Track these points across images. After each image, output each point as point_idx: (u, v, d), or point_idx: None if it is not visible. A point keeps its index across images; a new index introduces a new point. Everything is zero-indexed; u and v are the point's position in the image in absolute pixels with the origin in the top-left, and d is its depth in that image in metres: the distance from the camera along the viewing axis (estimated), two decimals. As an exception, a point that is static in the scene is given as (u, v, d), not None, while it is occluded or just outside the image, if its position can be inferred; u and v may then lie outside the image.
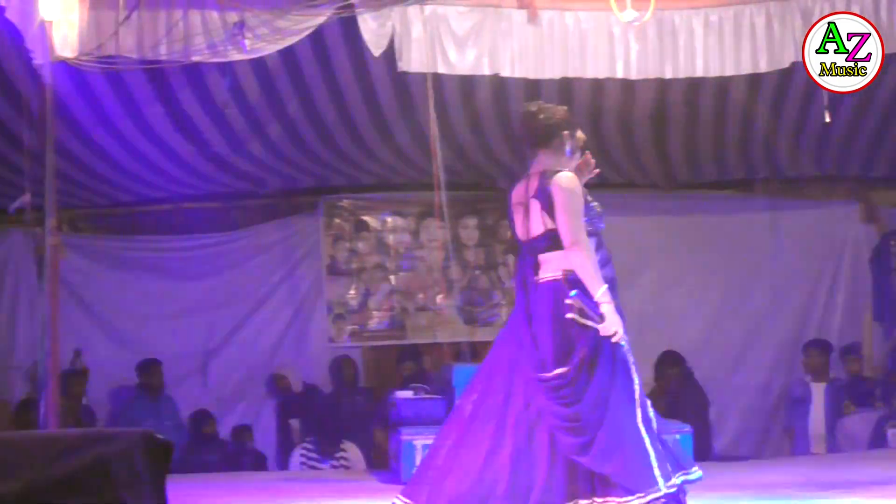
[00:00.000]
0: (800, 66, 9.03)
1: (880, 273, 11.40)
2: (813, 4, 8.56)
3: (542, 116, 5.95)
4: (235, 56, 8.19)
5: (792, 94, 10.06)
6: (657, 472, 5.37)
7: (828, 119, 8.75)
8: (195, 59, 8.22)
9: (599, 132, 10.50)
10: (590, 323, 5.54)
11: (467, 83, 9.47)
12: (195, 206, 11.47)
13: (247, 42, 8.04)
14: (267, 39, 8.17)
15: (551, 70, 8.68)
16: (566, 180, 5.77)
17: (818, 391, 10.76)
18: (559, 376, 5.52)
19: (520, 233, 5.84)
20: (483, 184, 11.49)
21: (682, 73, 8.76)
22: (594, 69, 8.71)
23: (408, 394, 8.72)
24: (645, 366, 10.88)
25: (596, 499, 5.37)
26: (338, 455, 9.98)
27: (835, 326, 11.64)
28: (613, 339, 5.61)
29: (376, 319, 11.60)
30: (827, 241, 11.78)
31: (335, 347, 11.52)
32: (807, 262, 11.69)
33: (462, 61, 8.58)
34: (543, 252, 5.73)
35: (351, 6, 8.24)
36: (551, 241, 5.70)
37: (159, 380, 10.78)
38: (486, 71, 8.65)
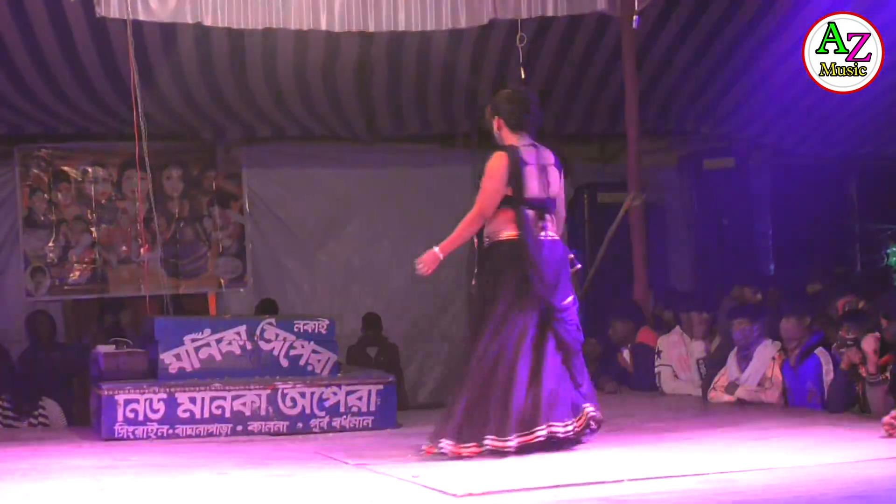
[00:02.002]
0: (498, 24, 9.31)
1: (573, 225, 11.84)
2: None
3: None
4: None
5: (491, 51, 10.34)
6: None
7: (523, 75, 9.03)
8: None
9: (304, 84, 10.51)
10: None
11: (169, 31, 9.29)
12: None
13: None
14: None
15: (254, 20, 8.62)
16: None
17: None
18: (572, 303, 6.83)
19: (538, 191, 6.75)
20: (186, 134, 11.31)
21: (385, 27, 8.86)
22: (298, 20, 8.70)
23: (109, 348, 8.54)
24: (353, 316, 11.10)
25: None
26: (36, 413, 9.68)
27: (532, 276, 12.04)
28: None
29: (77, 272, 11.29)
30: (525, 194, 12.13)
31: (33, 302, 11.14)
32: (506, 214, 12.02)
33: (163, 8, 8.42)
34: (552, 213, 6.82)
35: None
36: (556, 205, 6.87)
37: None
38: (188, 19, 8.51)
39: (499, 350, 6.62)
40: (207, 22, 8.52)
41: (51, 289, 11.22)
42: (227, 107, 10.81)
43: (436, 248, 6.79)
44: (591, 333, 10.53)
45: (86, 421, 8.64)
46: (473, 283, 6.93)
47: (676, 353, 9.44)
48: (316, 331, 8.24)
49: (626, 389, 9.74)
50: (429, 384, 11.73)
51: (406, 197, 11.67)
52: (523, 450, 6.50)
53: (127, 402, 7.80)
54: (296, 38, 9.45)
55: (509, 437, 6.52)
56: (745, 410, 8.25)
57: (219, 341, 8.09)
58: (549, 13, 9.17)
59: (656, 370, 9.49)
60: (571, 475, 5.88)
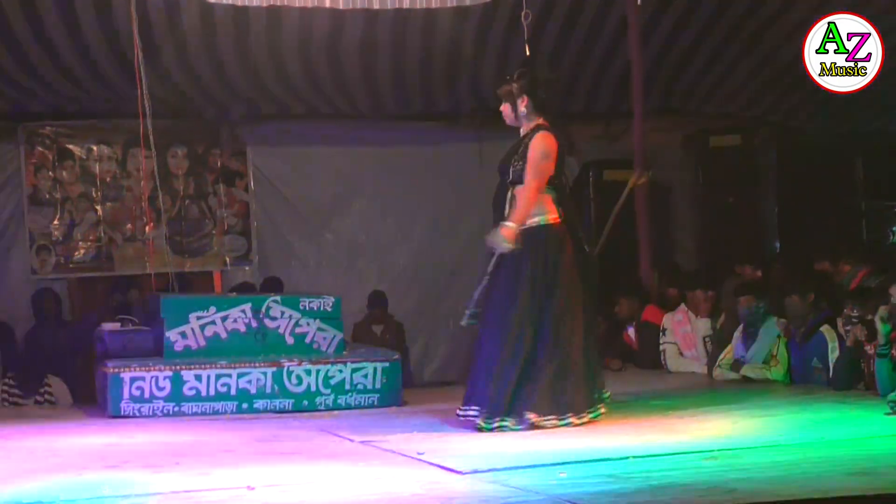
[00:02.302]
0: (503, 1, 9.28)
1: (580, 202, 11.83)
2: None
3: None
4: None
5: (496, 29, 10.31)
6: None
7: (528, 53, 8.99)
8: None
9: (308, 62, 10.49)
10: None
11: (173, 7, 9.27)
12: None
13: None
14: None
15: (259, -2, 8.58)
16: None
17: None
18: None
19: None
20: (191, 112, 11.29)
21: (390, 5, 8.81)
22: (302, -2, 8.65)
23: (115, 326, 8.55)
24: (358, 293, 11.08)
25: None
26: (42, 390, 9.69)
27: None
28: None
29: (82, 250, 11.29)
30: (530, 172, 12.11)
31: (38, 280, 11.14)
32: (511, 192, 12.01)
33: (166, -16, 8.38)
34: None
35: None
36: None
37: None
38: (192, -4, 8.48)
39: (572, 328, 6.82)
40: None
41: (56, 267, 11.22)
42: (232, 85, 10.79)
43: (509, 224, 6.86)
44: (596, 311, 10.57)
45: (92, 399, 8.66)
46: (498, 264, 6.90)
47: (681, 330, 9.45)
48: (321, 308, 8.25)
49: (632, 367, 9.75)
50: (434, 362, 11.71)
51: (411, 174, 11.64)
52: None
53: (133, 379, 7.82)
54: (300, 15, 9.42)
55: (583, 415, 6.83)
56: (751, 388, 8.25)
57: (224, 319, 8.10)
58: (555, -10, 9.14)
59: (661, 348, 9.50)
60: (577, 452, 5.89)
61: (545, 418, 6.73)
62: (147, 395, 7.82)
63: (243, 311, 8.14)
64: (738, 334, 8.75)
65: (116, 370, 7.84)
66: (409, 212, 11.55)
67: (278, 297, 8.31)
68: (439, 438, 6.59)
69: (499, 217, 7.00)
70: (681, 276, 10.16)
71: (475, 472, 5.48)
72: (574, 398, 6.82)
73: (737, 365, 8.65)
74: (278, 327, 8.17)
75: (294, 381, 8.00)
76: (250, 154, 11.56)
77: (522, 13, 8.92)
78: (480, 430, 6.71)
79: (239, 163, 11.55)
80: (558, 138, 7.02)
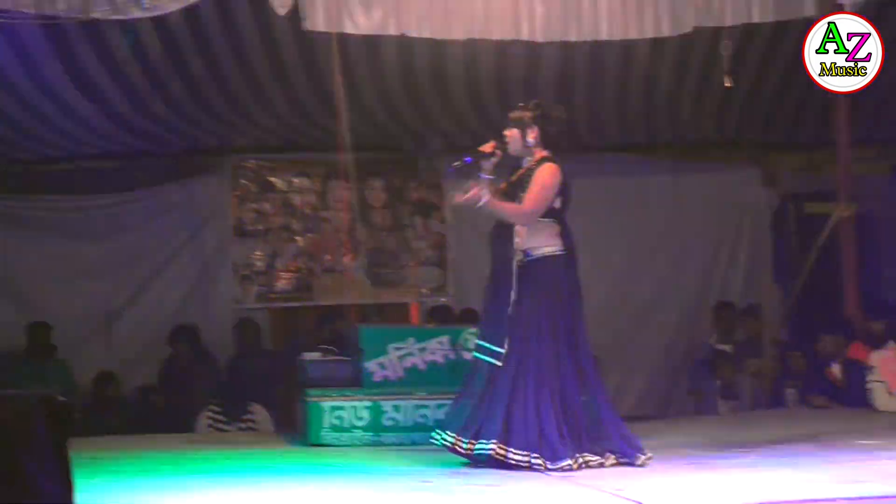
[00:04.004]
0: (701, 31, 9.15)
1: (779, 236, 11.60)
2: (714, -31, 8.65)
3: None
4: (135, 13, 8.03)
5: (694, 59, 10.17)
6: None
7: (728, 84, 8.85)
8: (94, 15, 8.05)
9: (504, 94, 10.52)
10: None
11: (373, 43, 9.42)
12: (96, 165, 11.29)
13: (145, -1, 7.91)
14: (167, -4, 8.04)
15: (457, 31, 8.66)
16: None
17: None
18: None
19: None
20: (389, 145, 11.46)
21: (587, 36, 8.80)
22: (499, 31, 8.70)
23: (316, 355, 8.70)
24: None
25: None
26: (245, 417, 9.92)
27: (736, 288, 11.83)
28: None
29: (283, 281, 11.55)
30: (728, 205, 11.94)
31: (241, 309, 11.44)
32: (709, 225, 11.85)
33: (368, 21, 8.51)
34: None
35: (255, -36, 8.14)
36: None
37: (46, 343, 10.59)
38: (392, 31, 8.59)
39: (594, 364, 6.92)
40: (411, 33, 8.60)
41: (258, 297, 11.50)
42: (429, 117, 10.91)
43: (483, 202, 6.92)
44: (796, 347, 10.29)
45: (292, 426, 8.81)
46: (518, 297, 6.87)
47: (890, 369, 9.13)
48: (518, 341, 8.20)
49: (837, 405, 9.45)
50: (630, 396, 11.58)
51: (606, 207, 11.56)
52: None
53: (333, 408, 7.94)
54: (497, 48, 9.47)
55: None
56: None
57: (422, 350, 8.16)
58: (755, 19, 8.96)
59: (868, 386, 9.19)
60: (780, 491, 5.73)
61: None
62: (347, 424, 7.92)
63: (441, 343, 8.18)
64: (950, 373, 8.41)
65: (317, 399, 7.96)
66: (605, 245, 11.46)
67: (475, 329, 8.31)
68: (634, 473, 6.49)
69: (503, 255, 7.00)
70: (889, 312, 9.82)
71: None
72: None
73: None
74: (475, 359, 8.17)
75: (491, 412, 7.98)
76: (447, 186, 11.66)
77: (722, 43, 8.80)
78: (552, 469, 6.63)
79: (435, 195, 11.66)
80: (563, 171, 6.98)
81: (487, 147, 7.10)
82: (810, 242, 10.11)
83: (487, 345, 6.91)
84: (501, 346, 6.83)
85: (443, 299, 11.59)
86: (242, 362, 10.96)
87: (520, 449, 6.65)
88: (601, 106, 10.85)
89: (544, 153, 7.06)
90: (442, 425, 7.00)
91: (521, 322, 6.84)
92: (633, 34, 8.84)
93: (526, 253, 6.94)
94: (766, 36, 10.04)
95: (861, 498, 5.56)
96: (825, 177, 11.20)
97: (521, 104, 7.25)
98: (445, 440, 6.87)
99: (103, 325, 11.09)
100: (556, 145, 7.12)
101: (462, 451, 6.80)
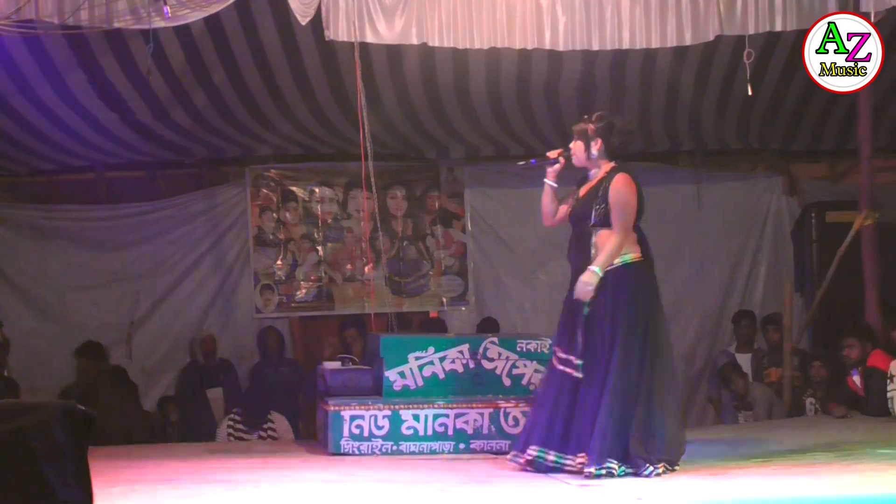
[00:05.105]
0: (724, 39, 9.14)
1: (801, 245, 11.55)
2: (737, -22, 8.65)
3: None
4: (158, 22, 8.08)
5: (716, 67, 10.16)
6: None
7: (750, 92, 8.83)
8: (116, 24, 8.10)
9: (526, 103, 10.54)
10: None
11: (395, 53, 9.44)
12: (118, 174, 11.35)
13: (168, 8, 7.94)
14: (189, 6, 8.09)
15: (479, 40, 8.66)
16: None
17: (745, 361, 10.89)
18: None
19: None
20: (410, 154, 11.49)
21: (609, 45, 8.80)
22: (522, 40, 8.70)
23: (336, 364, 8.71)
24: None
25: None
26: (265, 426, 9.94)
27: (757, 297, 11.80)
28: None
29: (304, 290, 11.57)
30: (750, 213, 11.92)
31: (262, 318, 11.47)
32: (731, 233, 11.83)
33: (390, 30, 8.53)
34: None
35: (277, -26, 8.18)
36: None
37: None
38: (414, 41, 8.61)
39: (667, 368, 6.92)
40: (433, 43, 8.61)
41: (279, 306, 11.53)
42: (451, 127, 10.93)
43: (596, 269, 6.80)
44: (817, 356, 10.24)
45: (312, 435, 8.82)
46: (595, 307, 6.83)
47: (911, 377, 9.08)
48: (539, 350, 8.21)
49: (857, 414, 9.40)
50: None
51: (628, 215, 11.53)
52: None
53: (353, 417, 7.93)
54: (519, 57, 9.47)
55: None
56: None
57: (442, 359, 8.14)
58: (778, 28, 8.94)
59: (889, 395, 9.13)
60: (800, 500, 5.71)
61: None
62: (366, 433, 7.92)
63: (461, 352, 8.17)
64: (973, 382, 8.36)
65: (337, 408, 7.96)
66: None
67: (496, 339, 8.32)
68: (656, 482, 6.48)
69: (579, 266, 6.90)
70: (910, 321, 9.77)
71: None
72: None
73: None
74: (495, 368, 8.17)
75: (511, 422, 7.98)
76: (468, 195, 11.68)
77: (745, 52, 8.77)
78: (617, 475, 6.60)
79: (456, 204, 11.67)
80: (637, 181, 6.97)
81: (553, 153, 7.14)
82: (832, 251, 10.06)
83: (565, 356, 6.92)
84: (580, 357, 6.84)
85: (463, 307, 11.60)
86: (265, 371, 10.99)
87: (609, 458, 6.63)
88: (623, 115, 10.82)
89: (612, 164, 7.04)
90: (535, 441, 6.93)
91: (598, 331, 6.83)
92: (655, 43, 8.83)
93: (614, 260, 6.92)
94: (789, 44, 10.01)
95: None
96: (847, 185, 11.18)
97: (585, 116, 7.22)
98: (548, 459, 6.83)
99: (125, 335, 11.14)
100: (622, 155, 7.11)
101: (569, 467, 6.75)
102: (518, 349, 8.19)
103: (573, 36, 8.72)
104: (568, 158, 7.11)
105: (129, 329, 11.16)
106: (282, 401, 10.36)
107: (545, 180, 7.16)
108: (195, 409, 10.69)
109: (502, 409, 7.98)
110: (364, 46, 8.65)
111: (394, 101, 10.30)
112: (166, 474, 7.07)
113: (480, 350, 8.16)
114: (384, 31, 8.52)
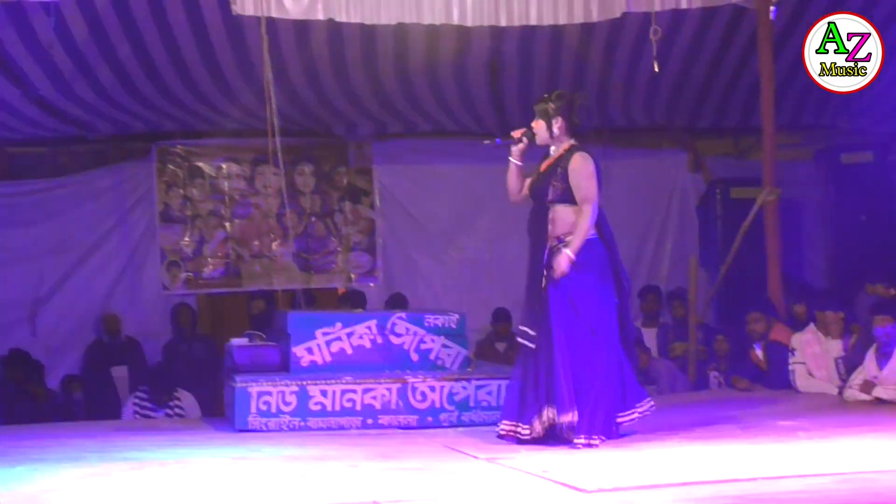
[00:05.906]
0: (631, 17, 9.22)
1: (706, 220, 11.70)
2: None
3: None
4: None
5: (623, 44, 10.25)
6: None
7: (657, 69, 8.92)
8: (17, -4, 7.97)
9: (435, 79, 10.54)
10: None
11: (302, 28, 9.39)
12: (21, 150, 11.16)
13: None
14: (91, -22, 7.96)
15: (387, 15, 8.66)
16: None
17: (650, 336, 11.02)
18: None
19: None
20: (318, 130, 11.43)
21: (517, 21, 8.82)
22: (430, 15, 8.71)
23: (243, 341, 8.66)
24: (482, 311, 11.08)
25: None
26: (171, 403, 9.86)
27: (663, 272, 11.95)
28: None
29: (211, 267, 11.49)
30: (656, 189, 12.05)
31: (169, 295, 11.37)
32: (636, 209, 11.93)
33: (296, 5, 8.49)
34: None
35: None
36: None
37: None
38: (321, 16, 8.58)
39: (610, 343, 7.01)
40: (341, 18, 8.58)
41: (186, 283, 11.43)
42: (359, 103, 10.90)
43: (568, 251, 6.91)
44: (721, 330, 10.40)
45: (219, 412, 8.77)
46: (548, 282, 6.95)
47: (811, 350, 9.24)
48: (446, 325, 8.25)
49: (760, 387, 9.57)
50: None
51: (535, 192, 11.60)
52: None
53: (260, 394, 7.90)
54: (427, 33, 9.47)
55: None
56: (884, 409, 8.05)
57: (350, 335, 8.15)
58: (683, 6, 9.05)
59: (790, 368, 9.30)
60: (704, 472, 5.80)
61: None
62: (274, 409, 7.89)
63: (369, 328, 8.18)
64: (871, 354, 8.54)
65: (244, 385, 7.92)
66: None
67: (403, 314, 8.33)
68: (564, 455, 6.54)
69: (537, 240, 7.01)
70: (810, 295, 9.96)
71: (601, 490, 5.42)
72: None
73: (868, 386, 8.44)
74: (403, 343, 8.20)
75: (418, 397, 8.01)
76: (376, 172, 11.66)
77: (651, 29, 8.86)
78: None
79: (365, 180, 11.65)
80: (595, 158, 7.06)
81: (517, 133, 7.18)
82: (736, 227, 10.21)
83: (524, 328, 7.07)
84: (534, 329, 6.96)
85: (371, 284, 11.59)
86: (179, 348, 10.91)
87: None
88: (530, 90, 10.88)
89: (572, 142, 7.10)
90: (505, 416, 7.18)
91: (553, 304, 6.93)
92: (562, 19, 8.89)
93: (559, 239, 6.98)
94: (695, 22, 10.14)
95: (782, 477, 5.65)
96: (751, 162, 11.34)
97: (544, 94, 7.26)
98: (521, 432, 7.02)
99: (29, 313, 10.98)
100: (582, 132, 7.18)
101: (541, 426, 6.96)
102: (426, 325, 8.22)
103: (481, 12, 8.75)
104: (531, 138, 7.14)
105: (32, 307, 10.99)
106: (190, 378, 10.28)
107: (510, 158, 7.23)
108: (100, 387, 10.58)
109: (410, 384, 8.00)
110: (271, 21, 8.59)
111: (301, 77, 10.24)
112: (71, 452, 6.99)
113: (388, 326, 8.18)
114: (290, 6, 8.47)
